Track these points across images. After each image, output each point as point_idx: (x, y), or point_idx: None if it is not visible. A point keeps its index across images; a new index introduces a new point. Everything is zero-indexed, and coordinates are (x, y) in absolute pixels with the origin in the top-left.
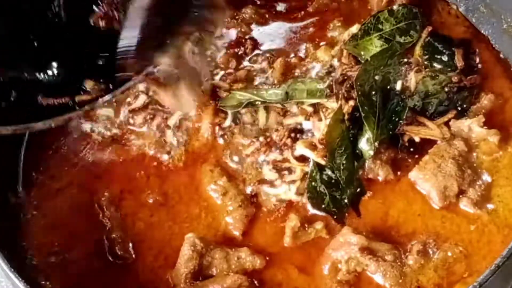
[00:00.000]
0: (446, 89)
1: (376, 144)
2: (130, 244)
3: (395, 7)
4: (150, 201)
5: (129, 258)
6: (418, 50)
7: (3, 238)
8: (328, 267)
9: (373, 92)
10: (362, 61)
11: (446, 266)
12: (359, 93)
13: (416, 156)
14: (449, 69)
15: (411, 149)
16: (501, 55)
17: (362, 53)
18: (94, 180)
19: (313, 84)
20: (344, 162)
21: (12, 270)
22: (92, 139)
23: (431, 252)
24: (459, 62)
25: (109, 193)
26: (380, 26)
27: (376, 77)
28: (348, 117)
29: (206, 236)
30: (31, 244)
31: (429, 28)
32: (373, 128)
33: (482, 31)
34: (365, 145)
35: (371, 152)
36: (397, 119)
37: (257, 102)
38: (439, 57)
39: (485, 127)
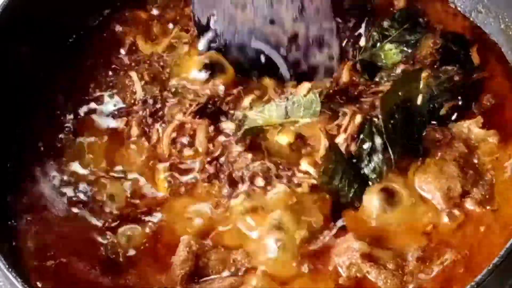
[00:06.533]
0: (450, 89)
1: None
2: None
3: (396, 13)
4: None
5: (124, 260)
6: (424, 50)
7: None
8: (330, 271)
9: (395, 114)
10: (381, 66)
11: (447, 269)
12: (384, 117)
13: (419, 159)
14: (467, 65)
15: (413, 152)
16: (500, 55)
17: (378, 59)
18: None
19: (309, 99)
20: (345, 186)
21: (10, 270)
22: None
23: (433, 256)
24: (475, 59)
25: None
26: (387, 33)
27: (400, 95)
28: (351, 141)
29: (202, 237)
30: (27, 247)
31: (440, 27)
32: (393, 152)
33: (481, 31)
34: (371, 173)
35: (378, 180)
36: (416, 136)
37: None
38: (453, 56)
39: (486, 127)
